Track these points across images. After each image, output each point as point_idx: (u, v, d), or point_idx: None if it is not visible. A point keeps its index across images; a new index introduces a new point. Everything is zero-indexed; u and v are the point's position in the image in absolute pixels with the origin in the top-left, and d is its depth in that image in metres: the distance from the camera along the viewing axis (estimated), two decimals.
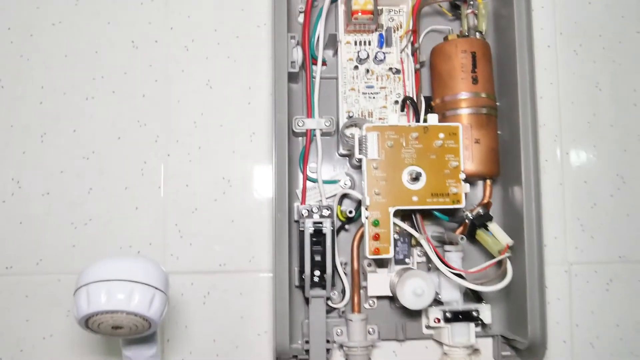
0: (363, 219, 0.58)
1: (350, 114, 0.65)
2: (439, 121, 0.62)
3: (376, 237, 0.57)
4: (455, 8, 0.68)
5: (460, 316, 0.62)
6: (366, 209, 0.58)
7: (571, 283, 0.70)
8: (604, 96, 0.72)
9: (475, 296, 0.65)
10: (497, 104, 0.67)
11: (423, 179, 0.58)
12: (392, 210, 0.58)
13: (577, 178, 0.71)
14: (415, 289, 0.59)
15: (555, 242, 0.70)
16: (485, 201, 0.64)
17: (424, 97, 0.66)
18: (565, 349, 0.69)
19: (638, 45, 0.73)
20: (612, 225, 0.71)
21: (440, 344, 0.64)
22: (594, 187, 0.71)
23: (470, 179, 0.64)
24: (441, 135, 0.59)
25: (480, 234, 0.62)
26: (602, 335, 0.70)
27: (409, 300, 0.59)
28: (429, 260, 0.63)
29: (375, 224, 0.57)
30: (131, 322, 0.45)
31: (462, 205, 0.59)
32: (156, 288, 0.45)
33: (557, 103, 0.72)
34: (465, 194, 0.59)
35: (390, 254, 0.58)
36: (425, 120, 0.62)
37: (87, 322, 0.44)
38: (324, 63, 0.67)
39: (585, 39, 0.73)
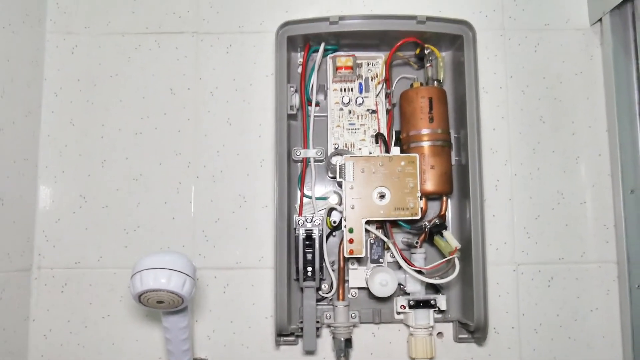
0: (342, 227, 0.76)
1: (337, 146, 0.83)
2: (406, 151, 0.80)
3: (351, 241, 0.75)
4: (420, 60, 0.85)
5: (421, 304, 0.79)
6: (344, 219, 0.76)
7: (518, 280, 0.86)
8: (546, 128, 0.88)
9: (434, 288, 0.82)
10: (456, 135, 0.84)
11: (388, 196, 0.76)
12: (363, 220, 0.76)
13: (524, 194, 0.87)
14: (381, 281, 0.76)
15: (505, 247, 0.86)
16: (442, 213, 0.81)
17: (395, 131, 0.83)
18: (514, 334, 0.85)
19: (576, 85, 0.89)
20: (553, 233, 0.86)
21: (408, 326, 0.82)
22: (538, 201, 0.87)
23: (431, 196, 0.81)
24: (402, 163, 0.76)
25: (437, 239, 0.79)
26: (544, 323, 0.85)
27: (376, 289, 0.77)
28: (397, 260, 0.80)
29: (351, 231, 0.75)
30: (169, 298, 0.64)
31: (418, 216, 0.76)
32: (187, 275, 0.64)
33: (507, 133, 0.88)
34: (421, 208, 0.76)
35: (363, 254, 0.76)
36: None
37: (140, 298, 0.64)
38: (317, 105, 0.85)
39: (532, 81, 0.89)
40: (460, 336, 0.84)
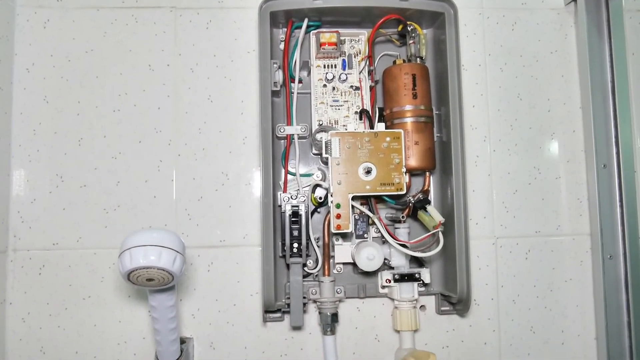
0: (329, 203, 0.77)
1: (321, 122, 0.83)
2: (390, 127, 0.81)
3: (338, 216, 0.76)
4: (402, 37, 0.86)
5: (405, 277, 0.81)
6: (331, 195, 0.76)
7: (497, 253, 0.88)
8: (523, 105, 0.90)
9: (418, 262, 0.84)
10: (437, 112, 0.85)
11: (374, 172, 0.77)
12: (350, 196, 0.76)
13: (502, 170, 0.89)
14: (368, 255, 0.77)
15: (484, 221, 0.88)
16: (425, 189, 0.82)
17: (379, 108, 0.84)
18: (493, 305, 0.88)
19: (551, 64, 0.91)
20: (529, 207, 0.89)
21: (392, 300, 0.83)
22: (515, 177, 0.89)
23: (414, 172, 0.82)
24: (387, 139, 0.77)
25: (420, 214, 0.81)
26: (522, 294, 0.88)
27: (364, 263, 0.77)
28: (382, 235, 0.81)
29: (338, 206, 0.76)
30: (160, 276, 0.63)
31: (403, 192, 0.77)
32: (177, 251, 0.63)
33: (486, 110, 0.90)
34: (406, 183, 0.77)
35: (350, 229, 0.76)
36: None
37: (129, 276, 0.63)
38: (300, 82, 0.84)
39: (509, 59, 0.91)
40: (442, 308, 0.86)
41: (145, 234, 0.63)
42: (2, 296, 0.81)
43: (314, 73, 0.84)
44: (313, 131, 0.82)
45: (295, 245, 0.79)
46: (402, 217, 0.80)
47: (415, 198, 0.81)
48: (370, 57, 0.84)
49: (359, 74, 0.84)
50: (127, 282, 0.64)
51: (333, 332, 0.81)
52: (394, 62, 0.83)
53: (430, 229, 0.79)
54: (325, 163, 0.83)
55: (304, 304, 0.80)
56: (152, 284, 0.65)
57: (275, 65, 0.81)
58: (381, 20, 0.82)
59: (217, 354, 0.83)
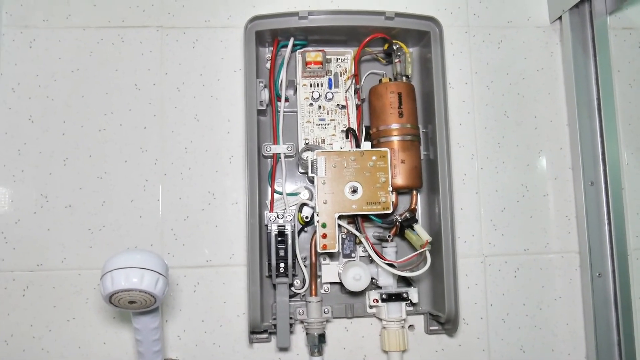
0: (315, 222, 0.76)
1: (307, 141, 0.83)
2: (376, 146, 0.80)
3: (324, 236, 0.75)
4: (388, 56, 0.86)
5: (393, 297, 0.80)
6: (317, 214, 0.76)
7: (486, 271, 0.88)
8: (510, 122, 0.90)
9: (406, 282, 0.83)
10: (423, 130, 0.85)
11: (360, 191, 0.76)
12: (336, 215, 0.76)
13: (490, 188, 0.89)
14: (355, 275, 0.76)
15: (472, 239, 0.88)
16: (412, 207, 0.82)
17: (365, 126, 0.84)
18: (482, 324, 0.87)
19: (537, 81, 0.91)
20: (518, 225, 0.89)
21: (380, 320, 0.82)
22: (503, 194, 0.89)
23: (401, 191, 0.82)
24: (374, 157, 0.77)
25: (408, 233, 0.80)
26: (511, 313, 0.87)
27: (350, 283, 0.77)
28: (369, 254, 0.80)
29: (324, 226, 0.75)
30: (142, 298, 0.62)
31: (390, 211, 0.76)
32: (160, 273, 0.62)
33: (473, 128, 0.90)
34: (393, 202, 0.77)
35: (336, 249, 0.76)
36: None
37: (111, 298, 0.62)
38: (286, 100, 0.84)
39: (495, 77, 0.91)
40: (431, 328, 0.85)
41: (127, 256, 0.62)
42: None
43: (300, 92, 0.84)
44: (299, 150, 0.82)
45: (282, 265, 0.79)
46: (389, 236, 0.79)
47: (402, 217, 0.80)
48: (357, 76, 0.84)
49: (345, 92, 0.84)
50: (109, 304, 0.63)
51: (320, 353, 0.80)
52: (380, 81, 0.83)
53: (418, 248, 0.78)
54: (312, 182, 0.82)
55: (291, 325, 0.79)
56: (134, 307, 0.64)
57: (261, 84, 0.81)
58: (367, 39, 0.82)
59: None
